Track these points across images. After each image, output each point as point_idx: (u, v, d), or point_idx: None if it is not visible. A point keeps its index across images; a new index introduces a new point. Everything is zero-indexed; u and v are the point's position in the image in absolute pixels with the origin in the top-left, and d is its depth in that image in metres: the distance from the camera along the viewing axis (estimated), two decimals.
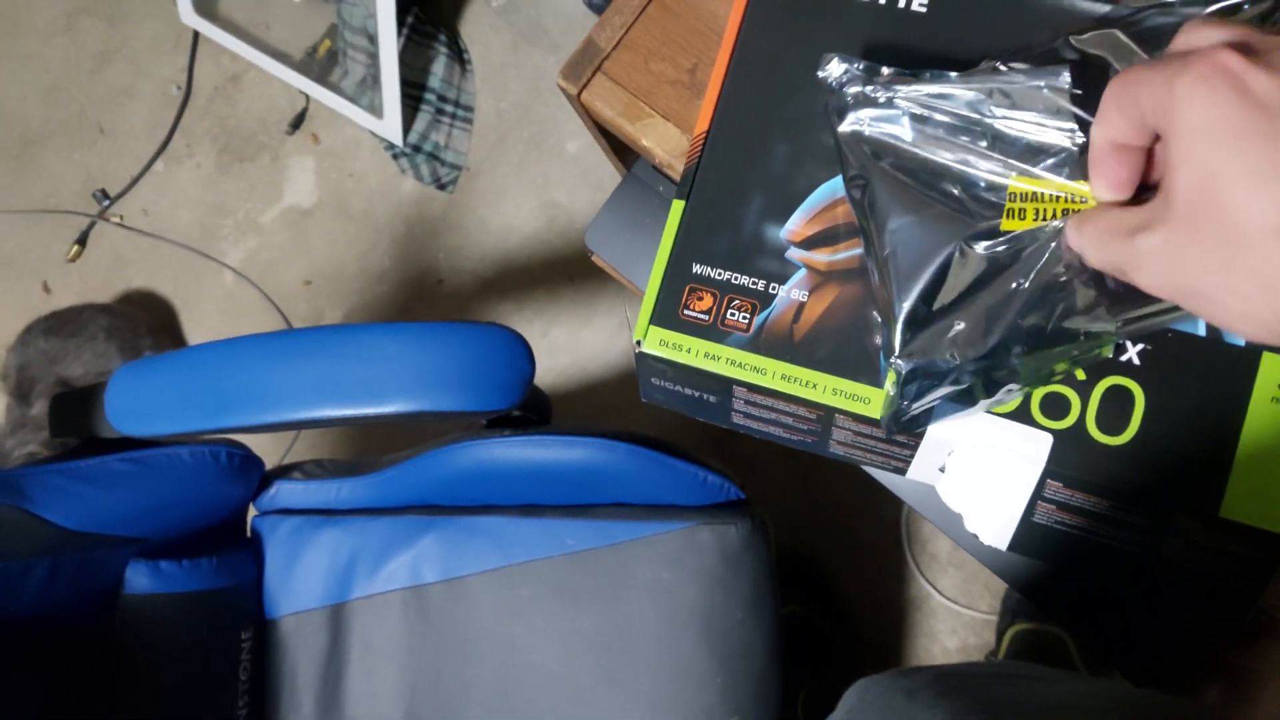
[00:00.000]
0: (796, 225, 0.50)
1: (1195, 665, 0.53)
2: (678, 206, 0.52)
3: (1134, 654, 0.55)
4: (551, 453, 0.68)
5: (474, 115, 1.43)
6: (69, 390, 0.69)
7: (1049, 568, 0.56)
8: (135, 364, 0.62)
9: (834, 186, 0.50)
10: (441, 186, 1.42)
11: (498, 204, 1.41)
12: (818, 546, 1.19)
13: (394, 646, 0.73)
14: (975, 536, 0.49)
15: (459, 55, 1.43)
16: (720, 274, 0.50)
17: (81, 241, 1.52)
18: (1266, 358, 0.44)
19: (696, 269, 0.51)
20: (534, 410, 0.71)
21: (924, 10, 0.52)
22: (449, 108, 1.42)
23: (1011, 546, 0.49)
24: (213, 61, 1.55)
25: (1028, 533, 0.48)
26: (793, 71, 0.52)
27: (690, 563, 0.69)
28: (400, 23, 1.31)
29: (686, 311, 0.50)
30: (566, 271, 1.36)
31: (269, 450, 1.40)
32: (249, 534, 0.79)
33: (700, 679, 0.67)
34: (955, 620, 1.15)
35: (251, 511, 0.79)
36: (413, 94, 1.40)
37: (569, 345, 1.34)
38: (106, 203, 1.53)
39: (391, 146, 1.42)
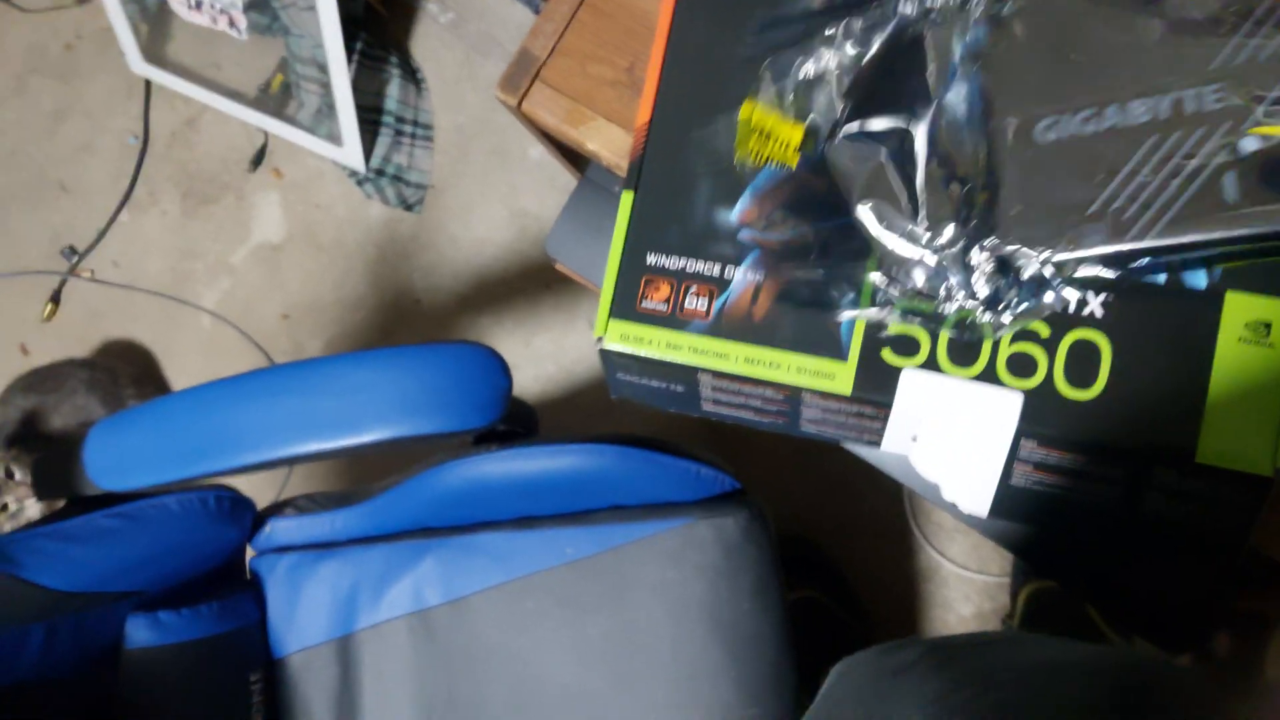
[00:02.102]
0: (747, 206, 0.50)
1: (1205, 616, 0.52)
2: (627, 198, 0.51)
3: (1140, 610, 0.55)
4: (540, 463, 0.68)
5: (434, 133, 1.42)
6: (51, 451, 0.68)
7: (1035, 530, 0.56)
8: (109, 420, 0.61)
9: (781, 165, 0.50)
10: (409, 207, 1.41)
11: (467, 218, 1.40)
12: (822, 528, 1.19)
13: (405, 673, 0.73)
14: (954, 505, 0.49)
15: (412, 74, 1.42)
16: (675, 262, 0.50)
17: (55, 300, 1.51)
18: (1229, 298, 0.44)
19: (651, 259, 0.50)
20: (519, 422, 0.71)
21: None
22: (408, 128, 1.41)
23: (992, 512, 0.48)
24: (168, 107, 1.54)
25: (1007, 496, 0.48)
26: (729, 53, 0.52)
27: (692, 558, 0.68)
28: (349, 49, 1.30)
29: (645, 303, 0.50)
30: (543, 279, 1.36)
31: (265, 487, 1.39)
32: (248, 575, 0.78)
33: (714, 674, 0.67)
34: (968, 587, 1.15)
35: (249, 552, 0.78)
36: (370, 118, 1.39)
37: (554, 352, 1.33)
38: (76, 258, 1.52)
39: (354, 173, 1.41)
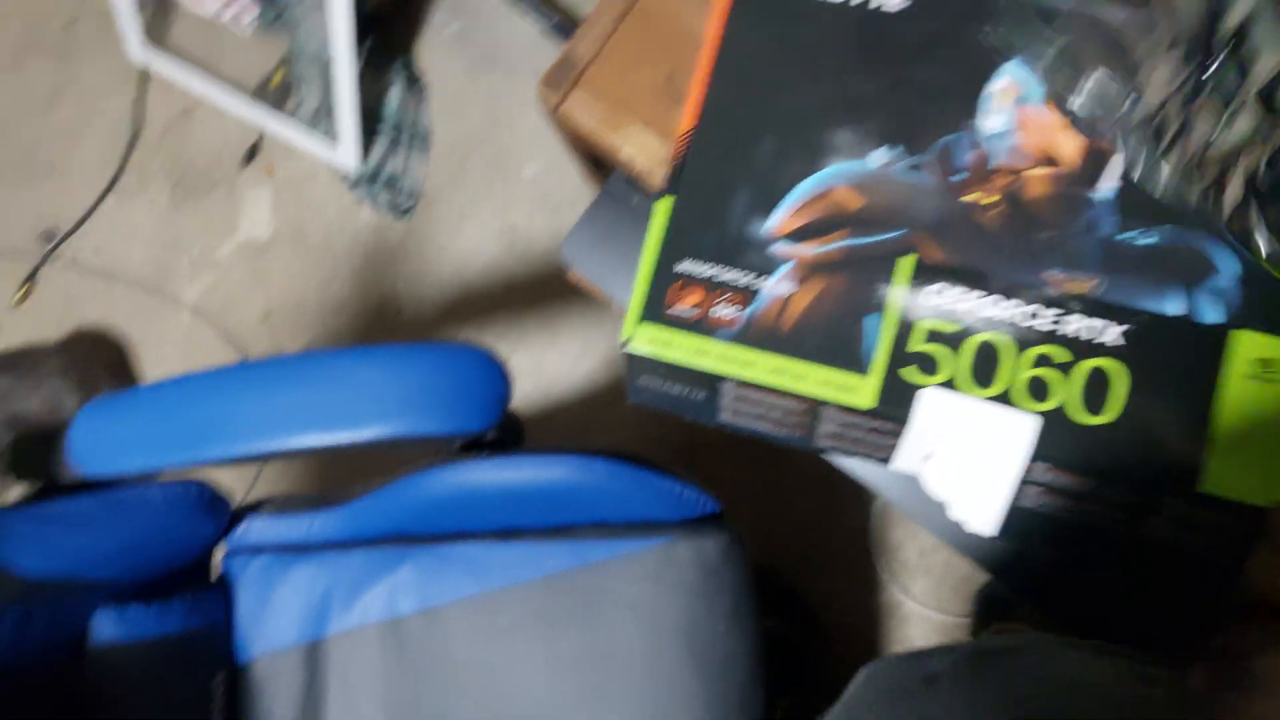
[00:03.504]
0: (782, 219, 0.51)
1: (1188, 647, 0.54)
2: (665, 203, 0.52)
3: (1124, 641, 0.56)
4: (527, 473, 0.68)
5: (431, 142, 1.43)
6: (29, 432, 0.68)
7: (1033, 554, 0.57)
8: (101, 401, 0.61)
9: (818, 180, 0.51)
10: (400, 214, 1.41)
11: (457, 230, 1.40)
12: (788, 560, 1.19)
13: (373, 681, 0.72)
14: (958, 525, 0.50)
15: (414, 82, 1.43)
16: (708, 269, 0.51)
17: (30, 281, 1.49)
18: (1237, 336, 0.45)
19: (684, 265, 0.51)
20: (508, 432, 0.71)
21: (898, 8, 0.53)
22: (405, 135, 1.41)
23: (1000, 533, 0.49)
24: (164, 96, 1.53)
25: (1015, 517, 0.49)
26: (775, 70, 0.53)
27: (669, 578, 0.68)
28: (356, 51, 1.31)
29: (674, 309, 0.51)
30: (527, 296, 1.36)
31: (231, 486, 1.37)
32: (218, 574, 0.77)
33: (686, 694, 0.67)
34: (928, 625, 1.16)
35: (220, 550, 0.78)
36: (368, 122, 1.39)
37: (533, 370, 1.33)
38: (55, 241, 1.50)
39: (348, 176, 1.41)
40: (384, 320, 1.41)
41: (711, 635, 0.68)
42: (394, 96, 1.40)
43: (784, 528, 1.21)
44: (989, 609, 1.09)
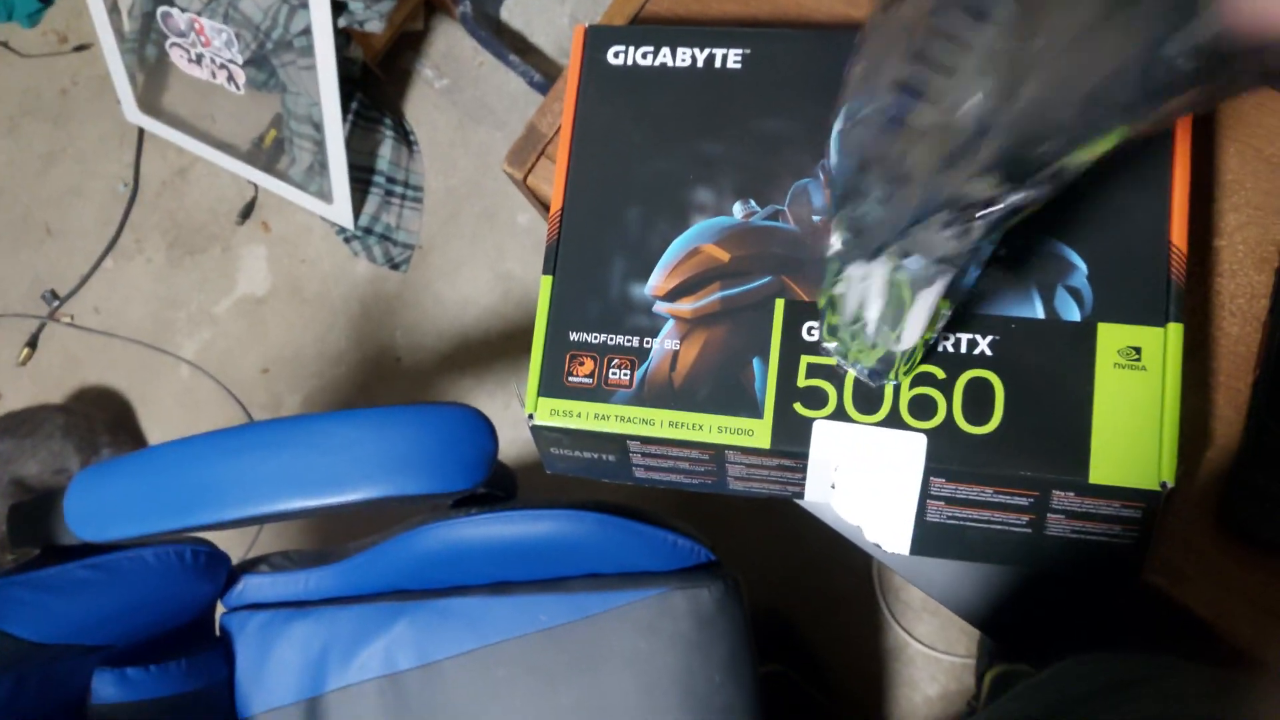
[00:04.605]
0: (659, 280, 0.53)
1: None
2: (546, 282, 0.55)
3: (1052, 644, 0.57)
4: (519, 528, 0.68)
5: (424, 194, 1.44)
6: (26, 499, 0.68)
7: (959, 569, 0.58)
8: (94, 468, 0.61)
9: (686, 239, 0.53)
10: (395, 266, 1.43)
11: (453, 279, 1.42)
12: (793, 602, 1.19)
13: None
14: (878, 546, 0.52)
15: (405, 136, 1.45)
16: (596, 337, 0.53)
17: (32, 344, 1.51)
18: (1101, 328, 0.48)
19: (574, 336, 0.54)
20: (499, 486, 0.71)
21: (738, 67, 0.55)
22: (398, 189, 1.43)
23: (913, 550, 0.51)
24: (159, 156, 1.56)
25: (924, 533, 0.51)
26: (631, 139, 0.55)
27: (665, 629, 0.68)
28: (345, 109, 1.33)
29: (571, 378, 0.53)
30: (525, 343, 1.37)
31: (233, 545, 1.38)
32: (218, 632, 0.78)
33: None
34: (934, 667, 1.15)
35: (220, 609, 0.78)
36: (361, 177, 1.41)
37: None
38: (56, 303, 1.51)
39: (343, 230, 1.43)
40: (382, 370, 1.41)
41: (708, 686, 0.68)
42: (385, 152, 1.42)
43: (788, 569, 1.20)
44: (995, 650, 1.09)
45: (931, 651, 1.15)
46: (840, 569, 1.20)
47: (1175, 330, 0.47)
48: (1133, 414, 0.47)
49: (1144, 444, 0.46)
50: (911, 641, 1.15)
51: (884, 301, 0.45)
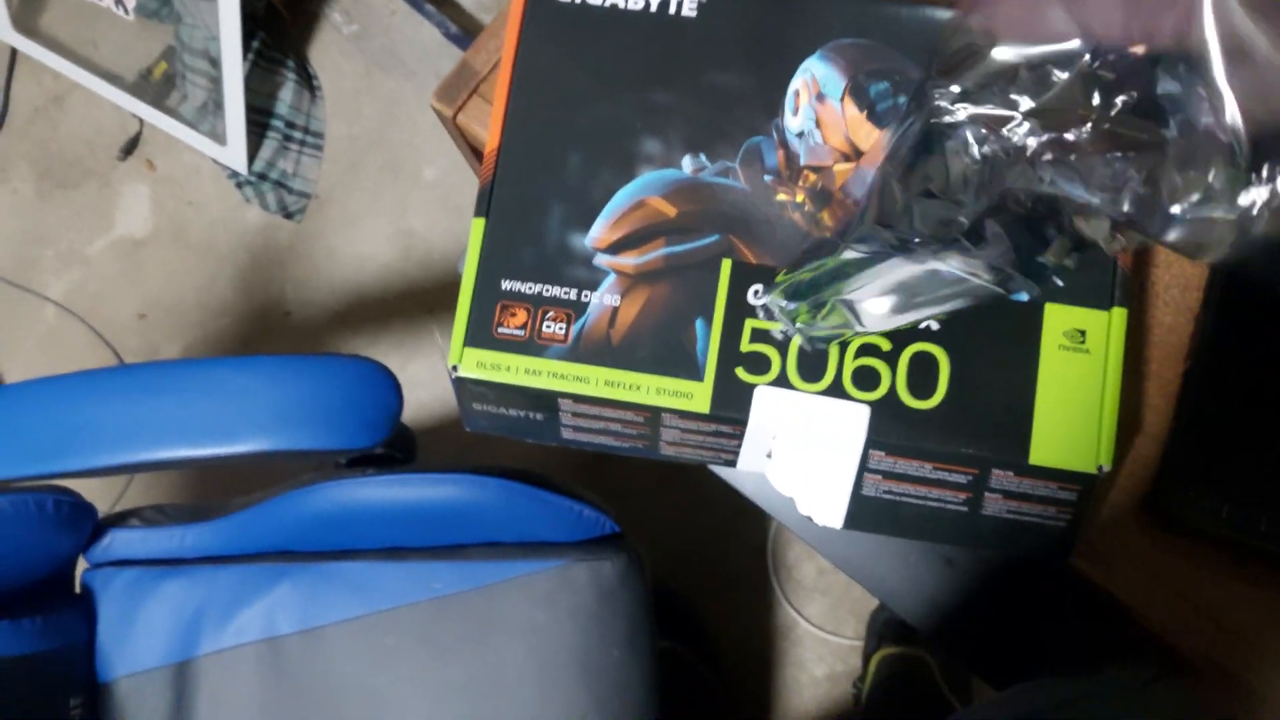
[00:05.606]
0: (600, 232, 0.51)
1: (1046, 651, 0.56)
2: (478, 225, 0.52)
3: (991, 657, 0.57)
4: (417, 491, 0.65)
5: (324, 142, 1.38)
6: None
7: (887, 539, 0.58)
8: None
9: (631, 190, 0.51)
10: (289, 215, 1.36)
11: (350, 232, 1.36)
12: (687, 579, 1.19)
13: (247, 704, 0.68)
14: (810, 519, 0.51)
15: (308, 81, 1.38)
16: (531, 287, 0.51)
17: None
18: (1048, 309, 0.48)
19: (506, 285, 0.51)
20: (398, 448, 0.68)
21: (694, 15, 0.53)
22: (297, 134, 1.36)
23: (847, 524, 0.50)
24: (34, 81, 1.45)
25: (860, 507, 0.50)
26: (576, 82, 0.53)
27: (564, 601, 0.67)
28: (245, 47, 1.25)
29: (501, 329, 0.50)
30: (426, 302, 1.32)
31: (98, 496, 1.30)
32: (79, 589, 0.72)
33: None
34: (822, 648, 1.16)
35: (82, 564, 0.72)
36: (259, 120, 1.34)
37: (429, 380, 1.30)
38: None
39: (235, 174, 1.35)
40: (270, 324, 1.35)
41: (606, 661, 0.67)
42: (286, 95, 1.35)
43: (686, 544, 1.20)
44: (883, 633, 1.10)
45: (820, 632, 1.16)
46: (737, 545, 1.20)
47: (1119, 315, 0.48)
48: (1074, 396, 0.47)
49: (1084, 427, 0.47)
50: (801, 621, 1.16)
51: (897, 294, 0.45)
